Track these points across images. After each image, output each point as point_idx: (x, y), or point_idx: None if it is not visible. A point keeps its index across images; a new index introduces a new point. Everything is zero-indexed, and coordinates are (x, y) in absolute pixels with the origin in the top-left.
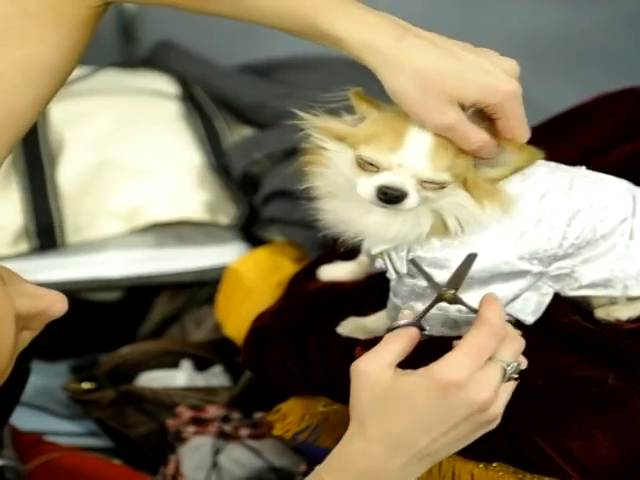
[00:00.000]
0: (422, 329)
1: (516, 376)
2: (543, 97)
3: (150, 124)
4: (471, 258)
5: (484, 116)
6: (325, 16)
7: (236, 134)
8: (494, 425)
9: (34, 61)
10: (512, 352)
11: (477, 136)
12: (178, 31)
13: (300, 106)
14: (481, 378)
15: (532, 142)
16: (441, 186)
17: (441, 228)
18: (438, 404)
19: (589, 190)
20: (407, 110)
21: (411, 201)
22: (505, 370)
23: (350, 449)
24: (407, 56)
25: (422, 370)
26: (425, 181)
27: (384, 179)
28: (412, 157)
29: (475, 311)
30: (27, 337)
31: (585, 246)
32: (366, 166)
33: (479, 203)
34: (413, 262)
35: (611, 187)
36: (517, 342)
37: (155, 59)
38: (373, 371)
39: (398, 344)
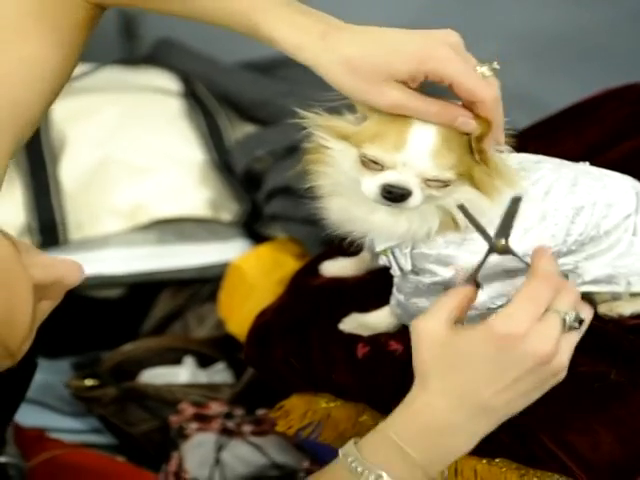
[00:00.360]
0: (478, 285)
1: (577, 325)
2: (545, 94)
3: (152, 121)
4: (516, 201)
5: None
6: (261, 17)
7: (238, 131)
8: (561, 377)
9: (38, 59)
10: (569, 301)
11: (433, 106)
12: (180, 28)
13: (302, 104)
14: (541, 329)
15: (534, 139)
16: (445, 184)
17: (450, 224)
18: (498, 357)
19: (593, 187)
20: (350, 97)
21: (415, 199)
22: (565, 320)
23: (414, 405)
24: (333, 49)
25: (481, 324)
26: (429, 179)
27: (388, 178)
28: (416, 155)
29: (527, 264)
30: (47, 307)
31: (589, 242)
32: (370, 165)
33: (488, 197)
34: (463, 209)
35: (615, 184)
36: (573, 292)
37: (157, 56)
38: (431, 328)
39: (454, 300)
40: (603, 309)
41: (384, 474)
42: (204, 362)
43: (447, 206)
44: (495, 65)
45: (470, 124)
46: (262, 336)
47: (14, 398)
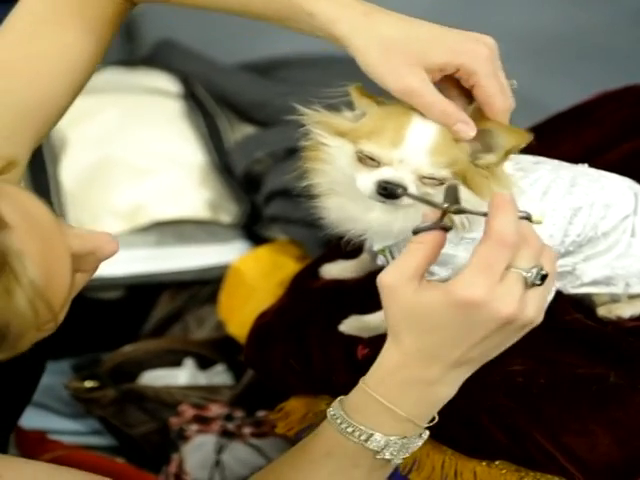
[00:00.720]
0: (447, 229)
1: (539, 282)
2: (544, 95)
3: (152, 122)
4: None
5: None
6: None
7: (238, 132)
8: (535, 324)
9: (68, 51)
10: (529, 257)
11: (440, 104)
12: (180, 30)
13: (301, 103)
14: (501, 291)
15: (534, 140)
16: (440, 182)
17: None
18: (463, 322)
19: (591, 187)
20: (368, 72)
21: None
22: (525, 278)
23: (390, 361)
24: (373, 27)
25: (442, 287)
26: (425, 177)
27: (384, 174)
28: (413, 152)
29: (485, 214)
30: (81, 280)
31: (586, 243)
32: (366, 161)
33: (480, 197)
34: (407, 193)
35: (613, 185)
36: (533, 246)
37: (157, 58)
38: (396, 285)
39: (421, 252)
40: (602, 311)
41: (375, 433)
42: (204, 364)
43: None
44: (514, 84)
45: (465, 133)
46: (262, 338)
47: (21, 400)
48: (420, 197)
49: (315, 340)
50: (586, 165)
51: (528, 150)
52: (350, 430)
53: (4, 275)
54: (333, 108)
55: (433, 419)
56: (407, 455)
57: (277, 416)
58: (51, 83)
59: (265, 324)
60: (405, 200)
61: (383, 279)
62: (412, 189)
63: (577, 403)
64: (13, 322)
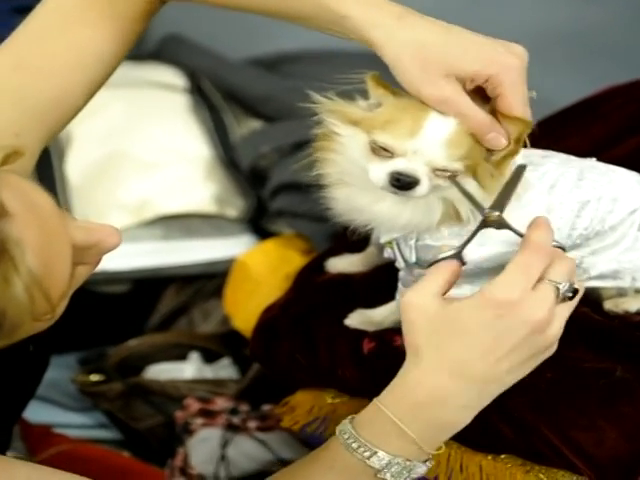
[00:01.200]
0: (463, 262)
1: (570, 295)
2: (552, 90)
3: (158, 117)
4: (519, 171)
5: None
6: None
7: (244, 127)
8: (552, 350)
9: (87, 47)
10: (563, 271)
11: (476, 116)
12: (186, 24)
13: (309, 96)
14: (535, 297)
15: (541, 134)
16: (452, 174)
17: (452, 216)
18: (493, 325)
19: (598, 181)
20: (402, 81)
21: (422, 188)
22: (558, 289)
23: (407, 380)
24: (408, 30)
25: (474, 294)
26: (438, 169)
27: (398, 165)
28: (428, 144)
29: (522, 235)
30: (84, 272)
31: (594, 237)
32: (380, 152)
33: (489, 192)
34: (455, 182)
35: (621, 179)
36: (567, 262)
37: (163, 52)
38: (422, 301)
39: (442, 275)
40: (609, 305)
41: (379, 451)
42: (209, 358)
43: (452, 198)
44: (533, 95)
45: (498, 142)
46: (268, 332)
47: (25, 394)
48: (468, 193)
49: (321, 334)
50: (594, 159)
51: (535, 144)
52: (355, 446)
53: (2, 263)
54: (347, 97)
55: (440, 448)
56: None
57: (283, 410)
58: (66, 82)
59: (271, 318)
60: (418, 191)
61: (407, 297)
62: (425, 181)
63: (584, 397)
64: (9, 310)
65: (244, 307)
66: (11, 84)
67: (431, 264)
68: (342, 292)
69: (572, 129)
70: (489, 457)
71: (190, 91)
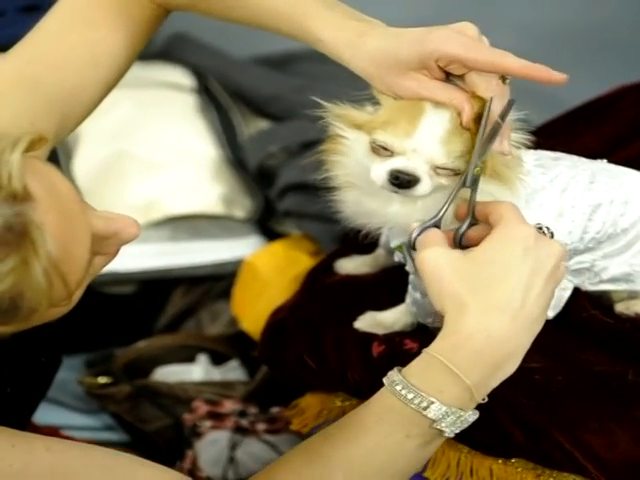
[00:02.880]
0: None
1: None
2: (562, 89)
3: (166, 117)
4: (509, 105)
5: None
6: (312, 21)
7: (252, 126)
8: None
9: (100, 45)
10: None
11: (444, 94)
12: (193, 24)
13: (316, 97)
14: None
15: (552, 135)
16: (455, 173)
17: (464, 215)
18: (526, 258)
19: (610, 184)
20: (379, 89)
21: (423, 187)
22: (543, 230)
23: (460, 329)
24: (367, 45)
25: (493, 237)
26: (439, 167)
27: (396, 163)
28: (426, 142)
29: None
30: (101, 262)
31: (606, 240)
32: (380, 151)
33: (508, 184)
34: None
35: (632, 181)
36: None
37: (171, 52)
38: (440, 250)
39: (437, 234)
40: (620, 308)
41: (436, 401)
42: (217, 359)
43: (461, 194)
44: (507, 82)
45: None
46: (276, 334)
47: (37, 395)
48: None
49: (330, 337)
50: (605, 161)
51: (546, 144)
52: (410, 396)
53: (23, 246)
54: (356, 103)
55: (484, 398)
56: (459, 430)
57: (292, 413)
58: (79, 78)
59: (279, 320)
60: (419, 190)
61: (421, 256)
62: (425, 180)
63: (596, 401)
64: (27, 294)
65: (252, 309)
66: (26, 76)
67: (410, 246)
68: (351, 294)
69: (583, 129)
70: (499, 461)
71: (197, 91)
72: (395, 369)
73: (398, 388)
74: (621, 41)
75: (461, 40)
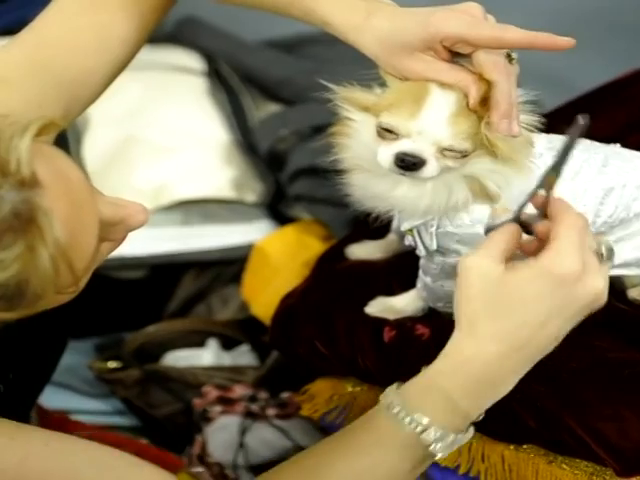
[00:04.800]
0: (523, 226)
1: (609, 254)
2: (575, 74)
3: (176, 100)
4: (575, 132)
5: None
6: (319, 3)
7: (262, 110)
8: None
9: (109, 28)
10: (590, 237)
11: (450, 75)
12: (204, 7)
13: (327, 80)
14: (592, 266)
15: (564, 119)
16: (463, 155)
17: (479, 194)
18: (553, 298)
19: (623, 168)
20: (386, 70)
21: (430, 169)
22: (601, 255)
23: (461, 351)
24: (371, 25)
25: (536, 263)
26: (445, 149)
27: (402, 146)
28: (431, 124)
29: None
30: (108, 248)
31: (618, 225)
32: (386, 134)
33: (516, 166)
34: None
35: None
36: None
37: (181, 35)
38: (484, 264)
39: (504, 237)
40: (633, 293)
41: (433, 425)
42: (228, 344)
43: (475, 174)
44: (514, 55)
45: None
46: (287, 319)
47: (41, 378)
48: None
49: (341, 322)
50: (618, 145)
51: (558, 128)
52: (407, 420)
53: (29, 232)
54: (365, 85)
55: (479, 415)
56: (451, 451)
57: (302, 398)
58: (87, 60)
59: (290, 306)
60: (425, 172)
61: (468, 259)
62: (432, 162)
63: (608, 387)
64: (33, 280)
65: (262, 293)
66: (35, 59)
67: (489, 229)
68: (362, 279)
69: (596, 113)
70: (511, 447)
71: (208, 74)
72: (394, 386)
73: (395, 410)
74: (635, 24)
75: (464, 19)
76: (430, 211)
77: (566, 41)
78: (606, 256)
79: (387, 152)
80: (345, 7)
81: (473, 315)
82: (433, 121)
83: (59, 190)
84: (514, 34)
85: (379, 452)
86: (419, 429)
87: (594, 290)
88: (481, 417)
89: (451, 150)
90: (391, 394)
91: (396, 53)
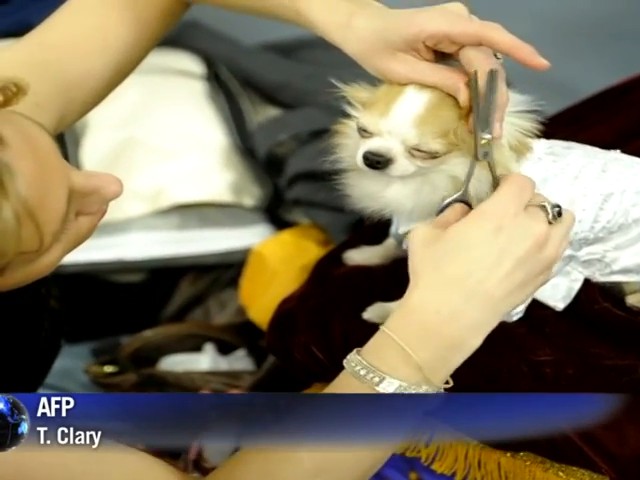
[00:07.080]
0: (468, 205)
1: (557, 215)
2: (575, 78)
3: (175, 104)
4: (492, 76)
5: None
6: (305, 3)
7: (261, 114)
8: (553, 272)
9: (112, 31)
10: (543, 198)
11: (434, 75)
12: (203, 10)
13: (325, 84)
14: (530, 213)
15: (564, 125)
16: (432, 155)
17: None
18: (495, 238)
19: (623, 173)
20: (370, 71)
21: (398, 167)
22: (545, 208)
23: (410, 303)
24: (354, 25)
25: (472, 213)
26: (413, 148)
27: (370, 144)
28: (399, 123)
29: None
30: (86, 224)
31: (617, 230)
32: (363, 133)
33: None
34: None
35: None
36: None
37: (180, 38)
38: (424, 228)
39: (445, 214)
40: (631, 300)
41: (386, 376)
42: (225, 349)
43: (458, 176)
44: (500, 60)
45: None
46: (284, 324)
47: (35, 377)
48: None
49: (338, 328)
50: (618, 151)
51: (558, 134)
52: (363, 372)
53: None
54: (370, 83)
55: (447, 382)
56: None
57: None
58: (90, 63)
59: (288, 311)
60: (393, 170)
61: (412, 234)
62: (400, 160)
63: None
64: None
65: (260, 298)
66: (36, 58)
67: (440, 211)
68: (360, 285)
69: (596, 118)
70: (508, 454)
71: (207, 78)
72: (355, 350)
73: (352, 365)
74: (635, 31)
75: (448, 17)
76: (416, 210)
77: (542, 63)
78: (551, 214)
79: (360, 150)
80: (329, 7)
81: (415, 272)
82: (400, 120)
83: (25, 150)
84: (499, 34)
85: None
86: (375, 380)
87: (530, 231)
88: (450, 385)
89: (419, 150)
90: (352, 355)
91: (379, 53)
